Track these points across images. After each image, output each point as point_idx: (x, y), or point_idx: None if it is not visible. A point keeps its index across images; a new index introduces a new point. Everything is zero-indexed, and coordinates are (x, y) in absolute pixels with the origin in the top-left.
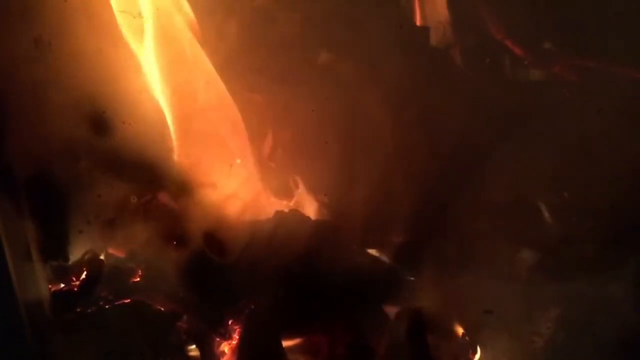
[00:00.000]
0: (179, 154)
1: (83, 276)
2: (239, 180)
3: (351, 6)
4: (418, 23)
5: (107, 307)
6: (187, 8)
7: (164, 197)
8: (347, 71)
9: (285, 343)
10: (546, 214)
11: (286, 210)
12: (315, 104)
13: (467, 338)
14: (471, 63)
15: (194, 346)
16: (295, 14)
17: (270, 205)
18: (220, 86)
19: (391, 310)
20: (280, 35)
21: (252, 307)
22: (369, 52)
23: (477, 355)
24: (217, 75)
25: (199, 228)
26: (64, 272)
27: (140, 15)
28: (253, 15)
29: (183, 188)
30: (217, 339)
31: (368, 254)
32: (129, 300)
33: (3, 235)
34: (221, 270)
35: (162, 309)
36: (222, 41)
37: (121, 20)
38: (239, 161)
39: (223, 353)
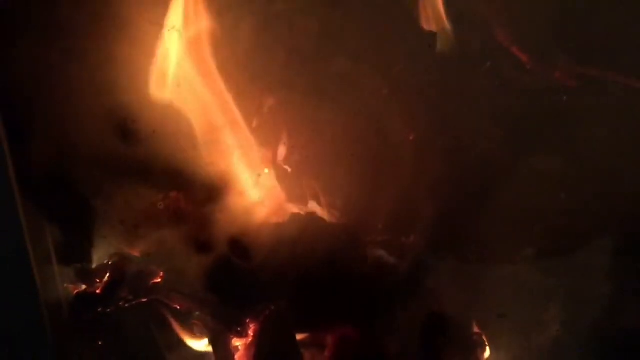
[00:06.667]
0: (208, 162)
1: (106, 278)
2: (266, 189)
3: (371, 15)
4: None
5: (126, 306)
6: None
7: (190, 204)
8: (364, 79)
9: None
10: (556, 219)
11: (309, 216)
12: (333, 113)
13: (475, 338)
14: (479, 70)
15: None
16: (314, 21)
17: (294, 212)
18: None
19: (405, 312)
20: (298, 42)
21: (272, 307)
22: (387, 61)
23: (487, 354)
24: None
25: (225, 234)
26: (87, 275)
27: (173, 27)
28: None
29: (210, 195)
30: (232, 336)
31: (385, 258)
32: (146, 299)
33: (28, 238)
34: (245, 274)
35: (179, 307)
36: (238, 47)
37: (153, 31)
38: (266, 171)
39: (236, 349)
